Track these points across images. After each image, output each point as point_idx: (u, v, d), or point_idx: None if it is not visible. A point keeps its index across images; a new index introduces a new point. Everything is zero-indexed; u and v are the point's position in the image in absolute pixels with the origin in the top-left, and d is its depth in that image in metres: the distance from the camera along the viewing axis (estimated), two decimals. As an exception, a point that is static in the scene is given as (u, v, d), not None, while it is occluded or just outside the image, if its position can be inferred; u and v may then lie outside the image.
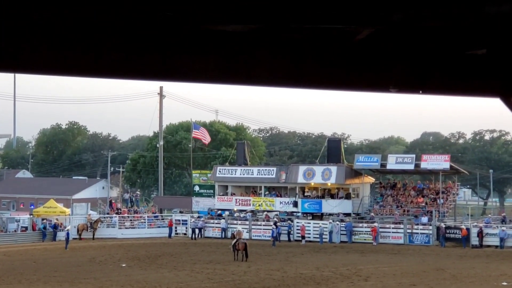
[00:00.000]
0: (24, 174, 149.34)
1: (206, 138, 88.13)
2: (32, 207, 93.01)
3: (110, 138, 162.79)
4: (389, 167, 67.62)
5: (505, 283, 40.20)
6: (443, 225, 61.17)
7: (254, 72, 10.04)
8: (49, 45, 7.91)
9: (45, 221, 67.90)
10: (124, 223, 70.44)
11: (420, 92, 11.37)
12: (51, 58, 8.39)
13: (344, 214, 66.08)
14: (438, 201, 65.34)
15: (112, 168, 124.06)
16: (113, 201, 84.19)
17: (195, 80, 10.31)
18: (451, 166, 65.83)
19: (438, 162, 65.77)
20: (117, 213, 72.28)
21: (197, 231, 67.54)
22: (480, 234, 59.51)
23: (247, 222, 66.92)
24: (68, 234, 61.72)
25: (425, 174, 73.91)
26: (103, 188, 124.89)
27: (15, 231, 67.19)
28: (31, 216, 71.70)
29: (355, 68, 10.60)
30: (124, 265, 49.92)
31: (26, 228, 67.89)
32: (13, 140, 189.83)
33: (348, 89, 11.86)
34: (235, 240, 52.20)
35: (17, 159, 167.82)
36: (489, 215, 72.64)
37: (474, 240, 59.55)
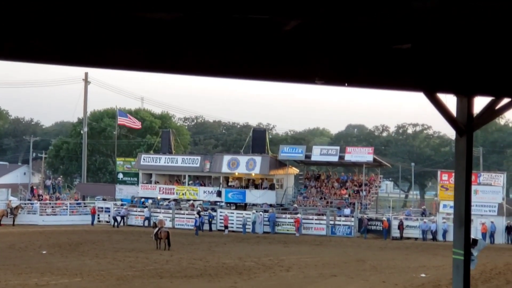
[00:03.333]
0: None
1: (136, 123, 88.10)
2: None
3: (32, 123, 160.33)
4: (313, 158, 68.09)
5: (423, 275, 40.85)
6: (365, 216, 61.96)
7: (180, 61, 10.00)
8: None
9: (-36, 206, 66.67)
10: (45, 209, 69.54)
11: (346, 84, 11.49)
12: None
13: (268, 204, 66.36)
14: (360, 193, 66.08)
15: (34, 154, 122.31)
16: (34, 187, 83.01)
17: (122, 68, 10.23)
18: (374, 159, 66.62)
19: (362, 154, 66.45)
20: (38, 200, 71.34)
21: (119, 219, 67.09)
22: (401, 226, 60.45)
23: (170, 211, 66.73)
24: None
25: (349, 166, 74.63)
26: (25, 174, 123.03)
27: None
28: (-51, 201, 70.20)
29: (281, 59, 10.65)
30: (44, 252, 49.27)
31: None
32: None
33: (274, 80, 11.91)
34: (157, 228, 52.00)
35: None
36: (410, 208, 73.78)
37: (395, 232, 60.47)
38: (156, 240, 51.19)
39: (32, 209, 69.10)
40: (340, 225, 62.28)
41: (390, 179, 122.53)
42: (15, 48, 8.11)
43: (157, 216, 62.30)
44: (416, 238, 60.03)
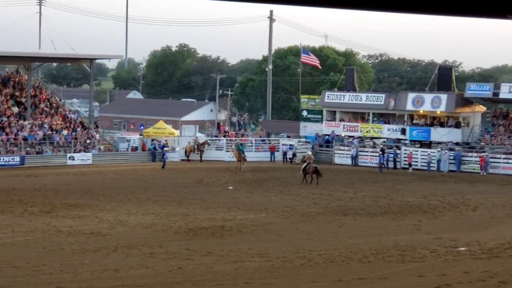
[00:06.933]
0: (135, 95, 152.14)
1: (317, 62, 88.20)
2: (141, 127, 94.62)
3: (219, 61, 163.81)
4: (501, 96, 65.96)
5: None
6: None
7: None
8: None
9: (154, 141, 68.94)
10: (231, 146, 70.95)
11: (542, 19, 10.84)
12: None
13: (453, 143, 65.00)
14: (552, 132, 63.63)
15: (220, 91, 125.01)
16: (221, 123, 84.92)
17: (307, 4, 10.10)
18: None
19: (554, 92, 63.80)
20: (224, 136, 72.88)
21: (289, 155, 67.83)
22: None
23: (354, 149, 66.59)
24: (164, 154, 62.92)
25: (539, 104, 71.91)
26: (211, 110, 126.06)
27: (126, 150, 68.46)
28: (141, 136, 72.86)
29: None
30: (231, 187, 50.47)
31: (136, 148, 69.04)
32: (124, 61, 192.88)
33: (462, 15, 11.43)
34: (305, 164, 52.95)
35: (128, 80, 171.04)
36: None
37: None
38: (305, 174, 52.19)
39: (219, 146, 70.71)
40: (530, 164, 60.31)
41: None
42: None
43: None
44: None
